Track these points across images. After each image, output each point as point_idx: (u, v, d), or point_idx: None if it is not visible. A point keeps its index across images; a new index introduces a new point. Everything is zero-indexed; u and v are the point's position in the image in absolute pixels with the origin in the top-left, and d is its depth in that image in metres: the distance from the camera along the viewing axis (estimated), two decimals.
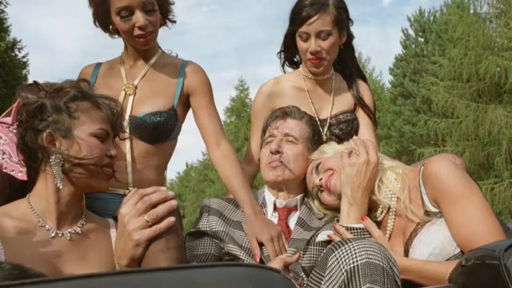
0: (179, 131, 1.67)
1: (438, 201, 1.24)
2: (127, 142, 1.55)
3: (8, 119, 1.35)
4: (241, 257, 1.41)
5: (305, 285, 1.27)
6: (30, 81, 1.27)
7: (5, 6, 11.60)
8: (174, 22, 1.71)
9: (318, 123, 1.75)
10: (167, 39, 1.75)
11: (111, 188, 1.44)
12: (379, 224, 1.38)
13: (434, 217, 1.25)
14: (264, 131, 1.64)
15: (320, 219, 1.49)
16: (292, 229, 1.48)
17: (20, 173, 1.31)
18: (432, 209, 1.26)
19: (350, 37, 1.83)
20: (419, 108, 17.40)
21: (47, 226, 1.16)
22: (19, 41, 12.37)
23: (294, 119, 1.59)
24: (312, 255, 1.37)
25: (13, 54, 12.03)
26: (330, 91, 1.85)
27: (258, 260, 1.38)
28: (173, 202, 1.12)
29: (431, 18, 19.11)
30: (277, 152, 1.52)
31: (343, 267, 1.00)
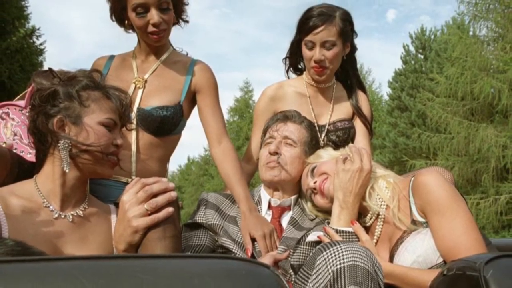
0: (184, 126, 1.67)
1: (426, 212, 1.24)
2: (133, 133, 1.55)
3: (22, 103, 1.36)
4: (233, 250, 1.41)
5: (292, 282, 1.27)
6: (45, 67, 1.26)
7: None
8: (187, 22, 1.71)
9: (317, 128, 1.75)
10: (179, 38, 1.76)
11: (115, 175, 1.44)
12: (367, 229, 1.38)
13: (421, 227, 1.25)
14: (264, 132, 1.64)
15: (312, 220, 1.49)
16: (284, 228, 1.48)
17: (29, 155, 1.32)
18: (419, 218, 1.26)
19: (354, 48, 1.83)
20: (414, 122, 17.40)
21: (51, 207, 1.16)
22: (38, 29, 12.35)
23: (294, 123, 1.59)
24: (301, 254, 1.37)
25: (31, 41, 12.01)
26: (331, 99, 1.85)
27: (249, 254, 1.38)
28: (173, 194, 1.12)
29: (432, 36, 19.11)
30: (276, 153, 1.52)
31: (330, 267, 1.00)
